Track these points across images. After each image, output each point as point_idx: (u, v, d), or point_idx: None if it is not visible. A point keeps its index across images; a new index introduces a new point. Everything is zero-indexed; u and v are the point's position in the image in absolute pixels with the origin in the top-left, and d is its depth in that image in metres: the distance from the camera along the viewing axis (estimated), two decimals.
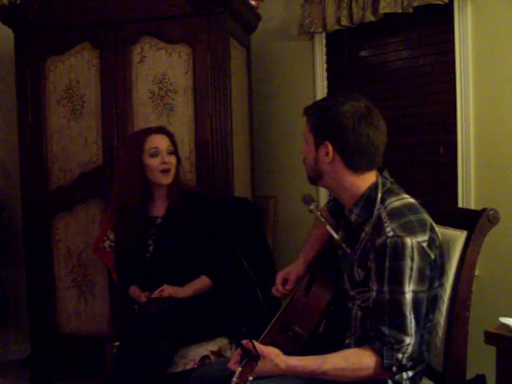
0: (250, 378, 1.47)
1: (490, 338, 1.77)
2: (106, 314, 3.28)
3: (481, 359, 2.16)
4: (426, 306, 1.63)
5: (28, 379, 3.45)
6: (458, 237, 1.85)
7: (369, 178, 1.73)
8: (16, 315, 3.81)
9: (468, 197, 2.97)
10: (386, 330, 1.57)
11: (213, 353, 2.45)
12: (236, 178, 3.15)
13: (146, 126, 3.08)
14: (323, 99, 1.85)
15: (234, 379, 1.47)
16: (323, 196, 3.51)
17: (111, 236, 3.11)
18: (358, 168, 1.70)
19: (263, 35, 3.70)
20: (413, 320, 1.57)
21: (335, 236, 1.82)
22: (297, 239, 3.62)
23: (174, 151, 2.65)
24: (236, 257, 2.64)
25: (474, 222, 1.82)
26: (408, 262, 1.56)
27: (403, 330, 1.56)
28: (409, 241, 1.57)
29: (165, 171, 2.57)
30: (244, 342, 1.53)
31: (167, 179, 2.59)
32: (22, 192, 3.34)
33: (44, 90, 3.28)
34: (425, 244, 1.60)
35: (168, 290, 2.49)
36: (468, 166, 2.97)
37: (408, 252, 1.57)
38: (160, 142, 2.60)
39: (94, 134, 3.22)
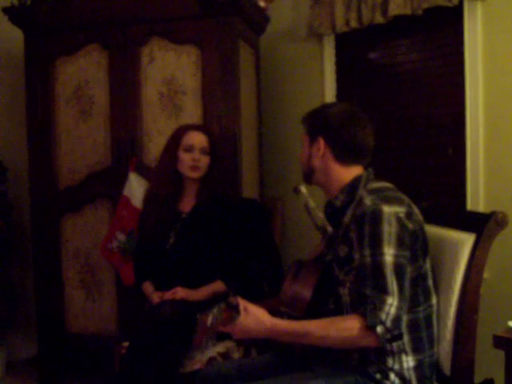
0: (209, 320, 1.59)
1: (499, 341, 1.77)
2: (113, 313, 3.28)
3: (489, 363, 2.15)
4: (410, 281, 1.68)
5: (35, 379, 3.47)
6: (467, 240, 1.84)
7: (355, 171, 1.87)
8: (24, 315, 3.82)
9: (477, 199, 2.96)
10: (368, 291, 1.62)
11: (220, 354, 2.45)
12: (244, 180, 3.15)
13: (155, 127, 3.12)
14: (316, 107, 2.00)
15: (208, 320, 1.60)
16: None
17: (119, 236, 3.12)
18: (345, 161, 1.86)
19: (272, 36, 3.70)
20: (394, 282, 1.61)
21: (319, 215, 1.94)
22: (304, 240, 3.62)
23: (210, 152, 2.66)
24: (248, 260, 2.64)
25: (483, 224, 1.82)
26: (386, 226, 1.65)
27: (385, 289, 1.60)
28: (386, 208, 1.68)
29: (193, 167, 2.60)
30: (230, 298, 1.65)
31: (194, 174, 2.61)
32: (31, 192, 3.35)
33: (53, 91, 3.30)
34: (402, 215, 1.69)
35: (181, 293, 2.50)
36: (477, 169, 2.96)
37: (385, 217, 1.66)
38: (197, 139, 2.63)
39: (102, 135, 3.23)
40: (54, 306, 3.35)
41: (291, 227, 3.77)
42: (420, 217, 1.78)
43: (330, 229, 1.87)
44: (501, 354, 1.78)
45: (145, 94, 3.16)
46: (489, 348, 1.83)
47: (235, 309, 1.63)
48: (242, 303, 1.65)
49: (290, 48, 3.75)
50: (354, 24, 3.26)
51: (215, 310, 1.62)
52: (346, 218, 1.79)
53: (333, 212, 1.91)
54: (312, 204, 1.94)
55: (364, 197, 1.75)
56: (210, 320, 1.60)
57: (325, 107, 1.97)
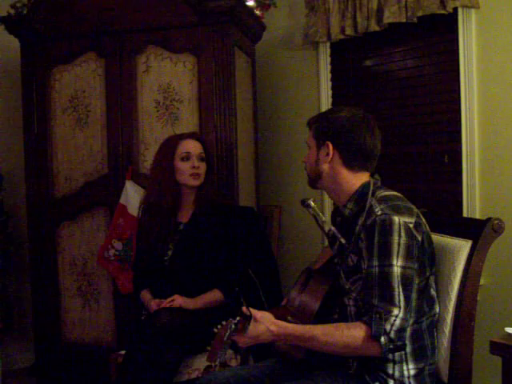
0: (226, 334, 1.59)
1: (496, 348, 1.77)
2: (110, 322, 3.27)
3: (486, 369, 2.15)
4: (416, 292, 1.69)
5: None
6: (463, 246, 1.85)
7: (362, 178, 1.85)
8: (20, 324, 3.81)
9: (473, 206, 2.97)
10: (375, 301, 1.63)
11: None
12: (241, 188, 3.15)
13: (151, 135, 3.13)
14: (324, 111, 2.01)
15: (225, 334, 1.60)
16: (327, 202, 3.52)
17: (116, 245, 3.12)
18: (353, 167, 1.84)
19: (268, 44, 3.71)
20: (401, 293, 1.62)
21: (330, 227, 1.92)
22: (301, 248, 3.62)
23: (206, 158, 2.67)
24: (245, 268, 2.64)
25: (479, 231, 1.82)
26: (396, 237, 1.65)
27: (391, 301, 1.61)
28: (396, 218, 1.67)
29: (194, 175, 2.60)
30: (243, 308, 1.65)
31: (196, 181, 2.61)
32: (28, 200, 3.35)
33: (49, 99, 3.30)
34: (411, 225, 1.69)
35: (178, 301, 2.49)
36: (473, 175, 2.97)
37: (396, 228, 1.66)
38: (192, 147, 2.63)
39: (98, 143, 3.23)
40: (51, 315, 3.34)
41: (288, 234, 3.78)
42: (428, 227, 1.78)
43: (342, 240, 1.85)
44: (498, 360, 1.78)
45: (141, 103, 3.16)
46: (486, 354, 1.83)
47: (248, 319, 1.64)
48: (252, 311, 1.66)
49: (286, 56, 3.76)
50: (349, 32, 3.27)
51: (232, 324, 1.61)
52: (357, 228, 1.78)
53: (342, 221, 1.90)
54: (322, 218, 1.93)
55: (374, 206, 1.73)
56: (227, 334, 1.60)
57: (334, 111, 1.94)
